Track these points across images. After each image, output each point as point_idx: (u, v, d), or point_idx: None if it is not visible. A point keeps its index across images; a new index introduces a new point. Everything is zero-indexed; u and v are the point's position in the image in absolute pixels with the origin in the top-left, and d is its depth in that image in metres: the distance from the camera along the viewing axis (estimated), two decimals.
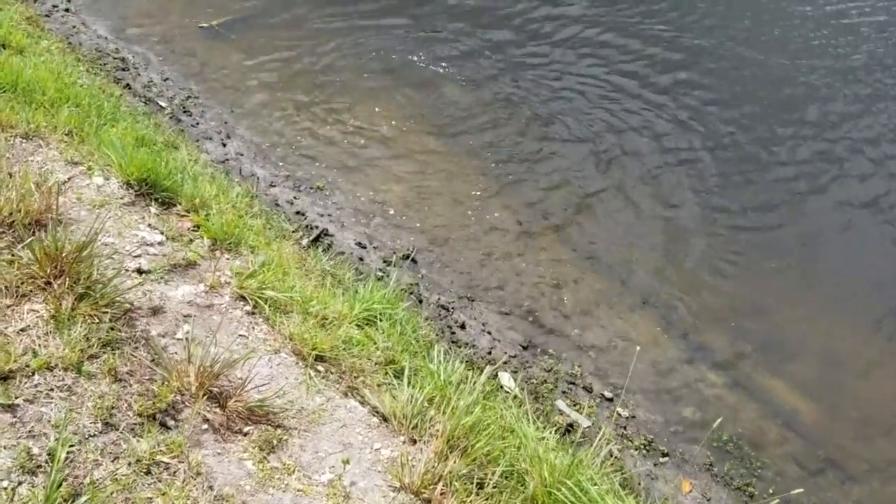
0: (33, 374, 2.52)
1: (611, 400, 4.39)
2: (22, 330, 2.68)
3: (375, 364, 3.39)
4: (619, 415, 4.28)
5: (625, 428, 4.21)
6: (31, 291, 2.85)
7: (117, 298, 2.92)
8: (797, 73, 8.21)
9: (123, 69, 6.78)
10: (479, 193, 5.98)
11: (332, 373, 3.25)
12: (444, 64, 7.69)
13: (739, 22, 9.30)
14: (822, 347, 5.03)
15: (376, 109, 6.86)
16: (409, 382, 3.24)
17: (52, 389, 2.50)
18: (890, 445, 4.49)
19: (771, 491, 4.02)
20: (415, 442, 2.97)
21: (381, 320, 3.67)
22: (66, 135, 4.35)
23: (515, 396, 3.97)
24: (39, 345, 2.63)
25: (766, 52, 8.57)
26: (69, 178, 3.95)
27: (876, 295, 5.51)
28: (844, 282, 5.61)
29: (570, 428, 4.02)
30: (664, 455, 4.09)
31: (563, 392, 4.36)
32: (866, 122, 7.45)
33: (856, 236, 6.02)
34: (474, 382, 3.31)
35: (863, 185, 6.60)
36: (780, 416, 4.51)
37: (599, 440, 3.01)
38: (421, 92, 7.22)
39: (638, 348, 4.42)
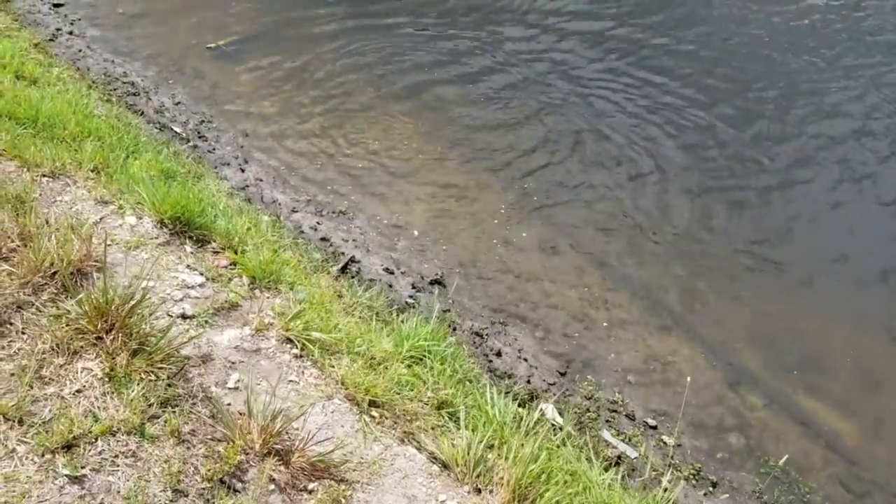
0: (96, 440, 2.44)
1: (655, 427, 4.33)
2: (78, 391, 2.60)
3: (428, 406, 3.31)
4: (665, 443, 4.22)
5: (672, 457, 4.15)
6: (83, 348, 2.77)
7: (171, 353, 2.83)
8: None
9: (134, 94, 6.68)
10: (502, 212, 5.91)
11: (386, 418, 3.17)
12: (463, 82, 7.61)
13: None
14: (858, 364, 4.98)
15: (394, 128, 6.79)
16: (465, 426, 3.17)
17: (116, 456, 2.42)
18: None
19: None
20: (479, 492, 2.90)
21: (428, 358, 3.59)
22: (92, 171, 4.26)
23: (562, 428, 3.90)
24: (98, 407, 2.54)
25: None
26: (101, 219, 3.86)
27: None
28: (876, 295, 5.56)
29: (619, 459, 3.96)
30: (714, 485, 4.04)
31: (607, 421, 4.30)
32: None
33: (884, 248, 5.98)
34: (529, 423, 3.24)
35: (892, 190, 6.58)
36: (822, 438, 4.46)
37: (669, 485, 2.93)
38: (439, 110, 7.15)
39: (689, 379, 4.35)
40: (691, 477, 4.04)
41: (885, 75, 8.32)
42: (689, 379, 4.35)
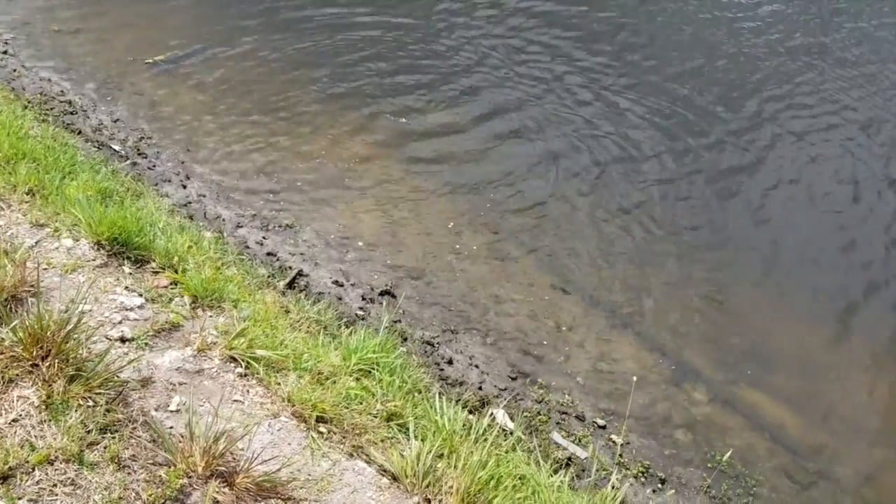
0: (33, 469, 2.38)
1: (604, 427, 4.39)
2: (14, 421, 2.53)
3: (378, 419, 3.31)
4: (614, 442, 4.28)
5: (620, 456, 4.21)
6: (18, 376, 2.70)
7: (110, 377, 2.78)
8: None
9: (71, 113, 6.55)
10: (451, 221, 5.94)
11: (335, 433, 3.16)
12: (408, 90, 7.64)
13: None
14: (798, 356, 5.14)
15: (339, 139, 6.77)
16: (414, 436, 3.17)
17: (55, 485, 2.36)
18: (873, 451, 4.60)
19: None
20: (429, 502, 2.90)
21: (377, 370, 3.59)
22: (27, 194, 4.16)
23: (512, 433, 3.93)
24: (35, 436, 2.48)
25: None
26: (36, 243, 3.77)
27: (841, 297, 5.65)
28: (810, 287, 5.74)
29: (570, 461, 4.00)
30: (662, 482, 4.11)
31: (557, 423, 4.34)
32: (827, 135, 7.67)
33: (816, 241, 6.17)
34: (479, 431, 3.26)
35: (822, 189, 6.79)
36: (767, 431, 4.57)
37: (617, 484, 2.98)
38: (383, 118, 7.16)
39: (634, 378, 4.42)
40: (640, 475, 4.10)
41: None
42: (634, 378, 4.42)
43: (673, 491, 4.05)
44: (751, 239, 6.12)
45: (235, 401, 3.16)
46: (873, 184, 6.92)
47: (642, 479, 4.10)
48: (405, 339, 4.72)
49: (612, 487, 3.33)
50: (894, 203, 6.68)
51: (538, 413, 4.38)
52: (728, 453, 3.98)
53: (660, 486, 4.09)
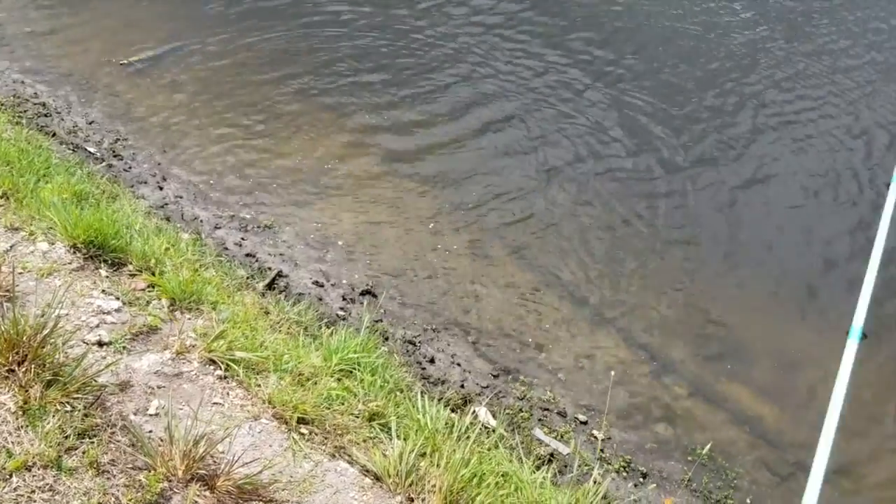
0: (11, 476, 2.35)
1: (585, 423, 4.41)
2: None
3: (359, 419, 3.30)
4: (596, 438, 4.30)
5: (602, 451, 4.24)
6: None
7: (87, 382, 2.75)
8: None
9: (45, 115, 6.47)
10: (431, 218, 5.94)
11: (316, 434, 3.15)
12: (385, 88, 7.62)
13: None
14: (777, 349, 5.17)
15: (317, 138, 6.74)
16: (397, 435, 3.17)
17: (33, 491, 2.33)
18: (851, 442, 4.64)
19: (749, 501, 4.11)
20: (412, 501, 2.90)
21: (359, 370, 3.58)
22: (1, 198, 4.11)
23: (495, 430, 3.94)
24: (12, 442, 2.45)
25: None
26: (11, 247, 3.73)
27: (822, 289, 5.70)
28: (790, 278, 5.79)
29: (552, 457, 4.02)
30: (644, 475, 4.13)
31: (540, 420, 4.35)
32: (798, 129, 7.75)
33: (797, 237, 6.23)
34: (461, 429, 3.27)
35: (793, 179, 6.86)
36: (746, 423, 4.61)
37: (599, 479, 2.99)
38: (362, 116, 7.13)
39: (612, 373, 4.44)
40: (622, 469, 4.13)
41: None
42: (612, 373, 4.44)
43: (654, 485, 4.08)
44: (730, 235, 6.15)
45: (215, 403, 3.14)
46: (858, 177, 6.96)
47: (624, 474, 4.12)
48: (387, 339, 4.72)
49: (594, 482, 3.35)
50: (874, 197, 6.73)
51: (520, 410, 4.39)
52: (708, 446, 4.00)
53: (641, 480, 4.11)
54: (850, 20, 10.19)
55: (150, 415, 2.93)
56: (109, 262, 3.87)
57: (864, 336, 3.69)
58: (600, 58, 8.60)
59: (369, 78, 7.73)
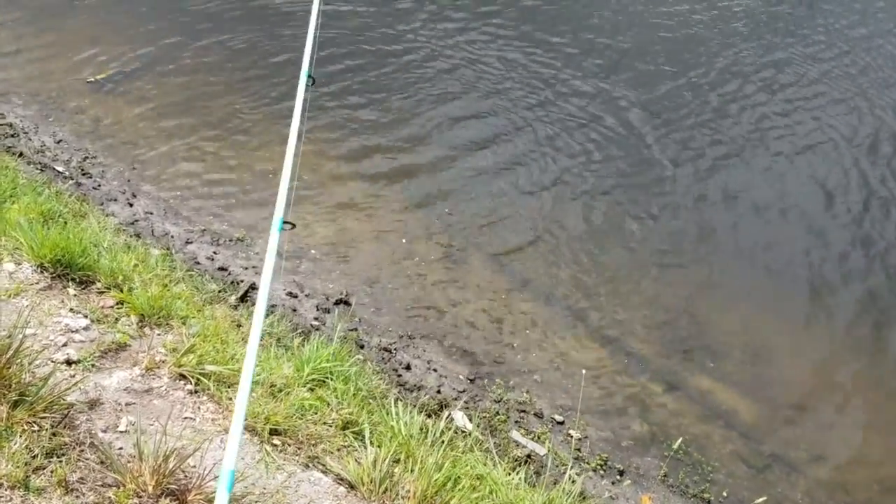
0: None
1: (562, 423, 4.44)
2: None
3: (333, 428, 3.30)
4: (572, 437, 4.32)
5: (579, 450, 4.26)
6: None
7: (55, 401, 2.73)
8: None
9: (12, 135, 6.41)
10: (403, 225, 5.95)
11: (289, 444, 3.14)
12: (359, 95, 7.62)
13: None
14: (748, 342, 5.24)
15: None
16: (370, 442, 3.17)
17: None
18: (823, 432, 4.72)
19: (725, 494, 4.15)
20: None
21: (332, 379, 3.58)
22: None
23: (471, 434, 3.95)
24: None
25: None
26: None
27: (789, 283, 5.79)
28: (758, 274, 5.87)
29: (529, 458, 4.04)
30: (621, 473, 4.16)
31: (516, 422, 4.37)
32: (747, 115, 7.85)
33: (763, 230, 6.31)
34: (436, 433, 3.27)
35: (752, 168, 6.95)
36: (720, 418, 4.66)
37: (575, 477, 3.01)
38: (331, 126, 7.12)
39: (584, 371, 4.48)
40: (599, 467, 4.15)
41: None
42: (584, 371, 4.47)
43: (630, 481, 4.11)
44: (700, 231, 6.23)
45: (186, 418, 3.13)
46: (836, 175, 7.05)
47: (601, 472, 4.15)
48: (362, 347, 4.72)
49: (570, 481, 3.37)
50: (850, 197, 6.82)
51: (497, 413, 4.40)
52: (679, 440, 4.04)
53: (618, 477, 4.14)
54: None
55: (120, 431, 2.92)
56: (77, 280, 3.84)
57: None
58: (589, 67, 8.66)
59: (342, 88, 7.72)
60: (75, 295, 3.73)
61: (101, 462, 2.64)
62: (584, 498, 3.75)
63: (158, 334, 3.61)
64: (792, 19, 10.30)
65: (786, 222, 6.42)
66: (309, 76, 3.65)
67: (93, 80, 7.44)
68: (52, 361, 3.17)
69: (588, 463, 4.18)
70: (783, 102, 8.21)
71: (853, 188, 6.87)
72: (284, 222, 2.98)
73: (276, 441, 3.12)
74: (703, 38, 9.47)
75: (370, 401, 3.66)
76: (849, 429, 4.73)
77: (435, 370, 4.74)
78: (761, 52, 9.23)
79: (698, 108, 7.95)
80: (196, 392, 3.27)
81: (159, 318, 3.69)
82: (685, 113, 7.83)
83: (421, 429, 3.47)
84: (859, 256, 6.07)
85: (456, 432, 3.77)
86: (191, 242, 5.50)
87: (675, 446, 4.16)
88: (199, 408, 3.19)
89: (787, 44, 9.52)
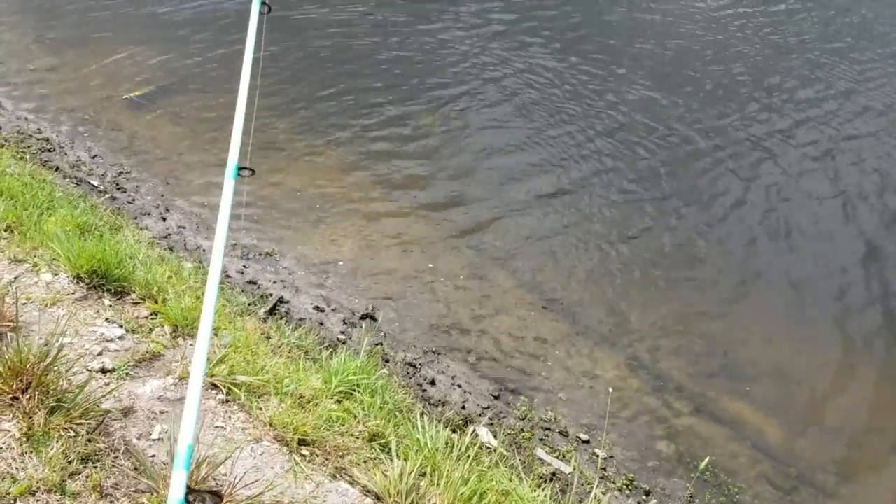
0: (15, 501, 2.39)
1: (587, 442, 4.43)
2: None
3: (360, 439, 3.33)
4: (598, 456, 4.31)
5: (605, 469, 4.25)
6: None
7: (90, 408, 2.80)
8: None
9: (49, 150, 6.58)
10: (429, 241, 6.00)
11: (317, 455, 3.18)
12: (379, 114, 7.73)
13: None
14: (774, 363, 5.20)
15: (317, 165, 6.83)
16: (397, 455, 3.20)
17: None
18: (851, 453, 4.66)
19: None
20: None
21: (358, 392, 3.61)
22: (5, 231, 4.19)
23: (496, 450, 3.96)
24: (17, 468, 2.49)
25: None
26: (15, 278, 3.79)
27: (814, 303, 5.74)
28: (783, 294, 5.83)
29: (555, 476, 4.03)
30: (647, 493, 4.14)
31: (541, 439, 4.37)
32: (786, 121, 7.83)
33: (788, 245, 6.28)
34: (461, 448, 3.29)
35: (797, 202, 6.92)
36: (748, 439, 4.62)
37: (594, 496, 3.01)
38: (356, 144, 7.22)
39: (610, 390, 4.47)
40: (625, 487, 4.14)
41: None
42: (610, 390, 4.47)
43: (657, 502, 4.08)
44: (729, 252, 6.21)
45: (217, 427, 3.18)
46: (853, 194, 7.02)
47: (627, 492, 4.13)
48: (387, 362, 4.75)
49: (596, 500, 3.36)
50: (869, 213, 6.78)
51: (521, 430, 4.41)
52: (705, 461, 4.02)
53: (644, 497, 4.12)
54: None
55: (154, 439, 2.97)
56: (113, 291, 3.92)
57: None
58: (605, 77, 8.71)
59: (368, 102, 7.84)
60: (110, 305, 3.81)
61: (135, 468, 2.69)
62: None
63: (191, 345, 3.67)
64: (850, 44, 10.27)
65: (817, 244, 6.37)
66: (263, 3, 3.42)
67: (128, 97, 7.62)
68: (88, 370, 3.24)
69: (614, 482, 4.17)
70: (824, 125, 8.16)
71: (887, 208, 6.82)
72: (241, 168, 2.76)
73: (304, 451, 3.15)
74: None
75: (396, 414, 3.69)
76: (877, 451, 4.67)
77: (459, 386, 4.76)
78: (812, 75, 9.21)
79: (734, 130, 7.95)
80: (227, 401, 3.31)
81: (192, 328, 3.75)
82: (729, 140, 7.83)
83: (446, 443, 3.48)
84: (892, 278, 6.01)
85: (481, 448, 3.78)
86: None
87: (702, 467, 4.13)
88: (229, 417, 3.24)
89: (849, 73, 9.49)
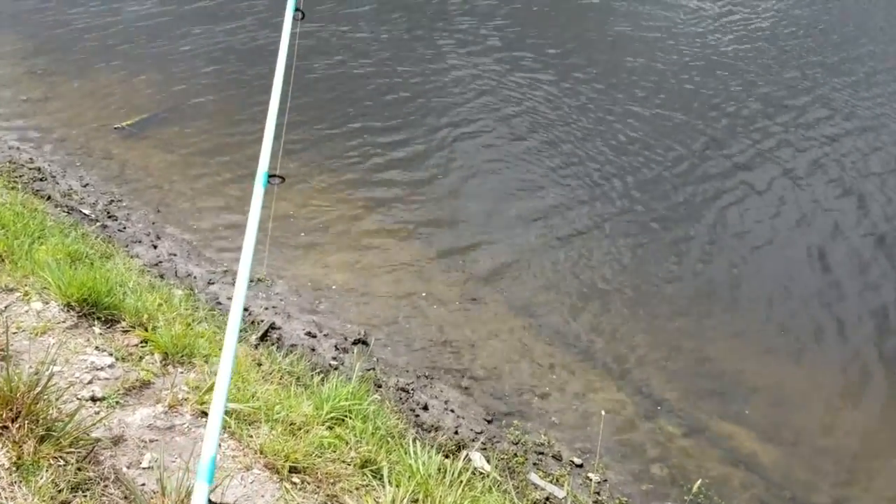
0: None
1: (581, 466, 4.42)
2: None
3: (351, 466, 3.32)
4: (591, 480, 4.30)
5: (598, 493, 4.23)
6: None
7: (80, 436, 2.78)
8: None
9: (41, 179, 6.58)
10: (421, 266, 6.02)
11: (308, 483, 3.16)
12: (372, 139, 7.78)
13: None
14: (767, 385, 5.21)
15: (306, 192, 6.86)
16: (389, 482, 3.19)
17: None
18: (844, 475, 4.66)
19: None
20: None
21: (350, 418, 3.60)
22: None
23: (489, 475, 3.95)
24: (6, 497, 2.47)
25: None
26: (6, 307, 3.79)
27: (809, 326, 5.75)
28: (778, 317, 5.84)
29: (548, 501, 4.02)
30: None
31: (534, 464, 4.36)
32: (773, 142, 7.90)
33: (783, 276, 6.30)
34: (454, 473, 3.28)
35: (777, 211, 6.97)
36: (741, 462, 4.62)
37: None
38: (347, 167, 7.26)
39: (604, 413, 4.47)
40: None
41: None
42: (603, 413, 4.46)
43: None
44: (722, 276, 6.23)
45: None
46: (849, 215, 7.08)
47: None
48: (379, 387, 4.74)
49: None
50: (865, 236, 6.82)
51: (515, 454, 4.39)
52: (697, 483, 4.01)
53: None
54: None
55: (143, 468, 2.95)
56: (103, 319, 3.92)
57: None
58: (601, 96, 8.79)
59: (359, 127, 7.90)
60: (101, 333, 3.80)
61: (125, 497, 2.68)
62: None
63: (181, 372, 3.66)
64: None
65: (812, 270, 6.38)
66: (297, 9, 3.38)
67: (120, 126, 7.64)
68: (78, 398, 3.23)
69: None
70: (832, 151, 8.21)
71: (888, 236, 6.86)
72: (271, 176, 2.71)
73: (295, 479, 3.14)
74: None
75: (388, 439, 3.67)
76: (873, 475, 4.66)
77: (452, 411, 4.74)
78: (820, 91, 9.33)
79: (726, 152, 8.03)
80: None
81: (182, 356, 3.74)
82: (727, 161, 7.90)
83: (439, 469, 3.47)
84: (891, 305, 6.01)
85: (474, 473, 3.77)
86: (213, 283, 5.59)
87: (695, 489, 4.12)
88: (219, 445, 3.22)
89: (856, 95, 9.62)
